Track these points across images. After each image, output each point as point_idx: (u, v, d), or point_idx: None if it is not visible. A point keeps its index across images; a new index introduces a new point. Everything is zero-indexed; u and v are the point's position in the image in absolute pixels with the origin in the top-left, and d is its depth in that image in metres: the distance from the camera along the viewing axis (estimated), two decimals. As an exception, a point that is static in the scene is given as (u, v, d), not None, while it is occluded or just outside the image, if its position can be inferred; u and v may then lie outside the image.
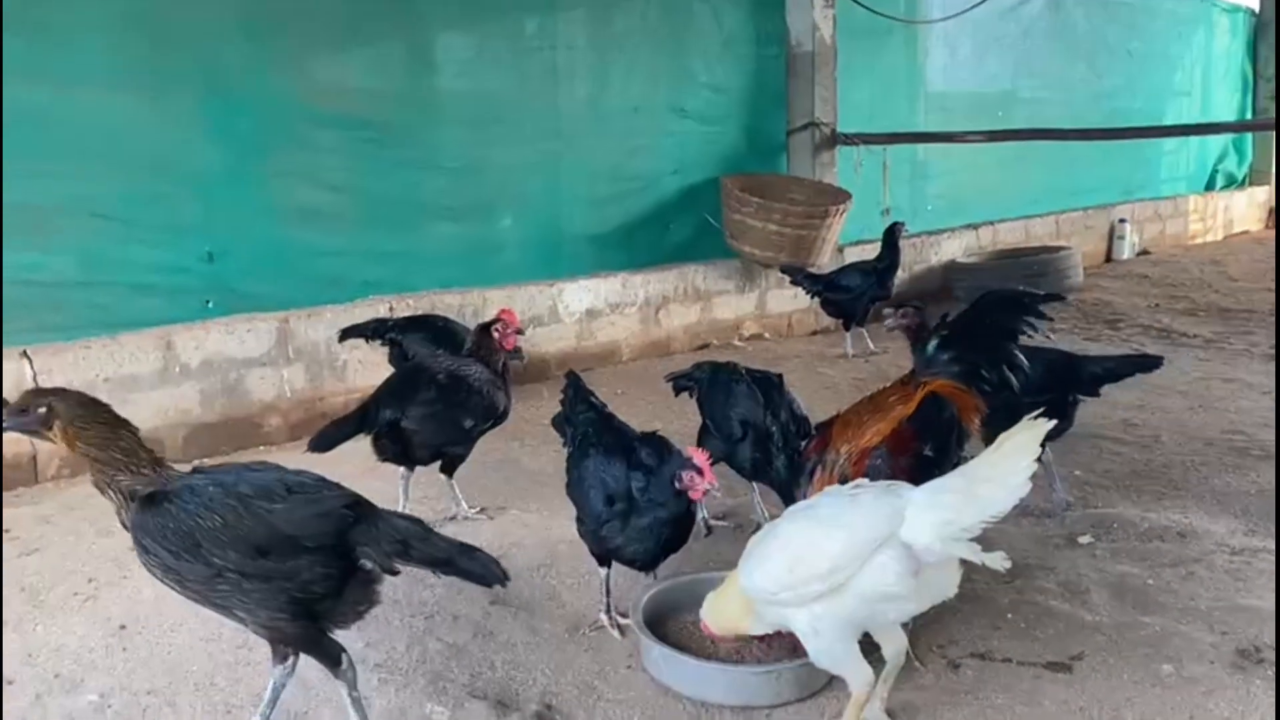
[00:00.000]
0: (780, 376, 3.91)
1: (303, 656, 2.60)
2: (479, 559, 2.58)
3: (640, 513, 3.06)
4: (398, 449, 3.98)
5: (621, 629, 3.31)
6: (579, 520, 3.31)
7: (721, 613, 2.80)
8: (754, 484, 4.01)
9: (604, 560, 3.31)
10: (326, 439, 3.83)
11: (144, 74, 5.08)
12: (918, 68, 9.12)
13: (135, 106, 5.06)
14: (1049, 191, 10.34)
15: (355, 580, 2.55)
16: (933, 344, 3.45)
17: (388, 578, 2.58)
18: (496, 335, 4.20)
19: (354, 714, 2.63)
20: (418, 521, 2.63)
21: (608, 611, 3.36)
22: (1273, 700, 2.84)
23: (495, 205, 6.54)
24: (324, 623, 2.56)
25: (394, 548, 2.52)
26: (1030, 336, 3.43)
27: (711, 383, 3.98)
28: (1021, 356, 3.38)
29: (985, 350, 3.36)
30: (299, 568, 2.45)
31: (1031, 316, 3.41)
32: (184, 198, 5.26)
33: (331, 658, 2.58)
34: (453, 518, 4.20)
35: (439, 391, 3.96)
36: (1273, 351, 6.67)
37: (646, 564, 3.20)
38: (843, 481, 3.13)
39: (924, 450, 3.15)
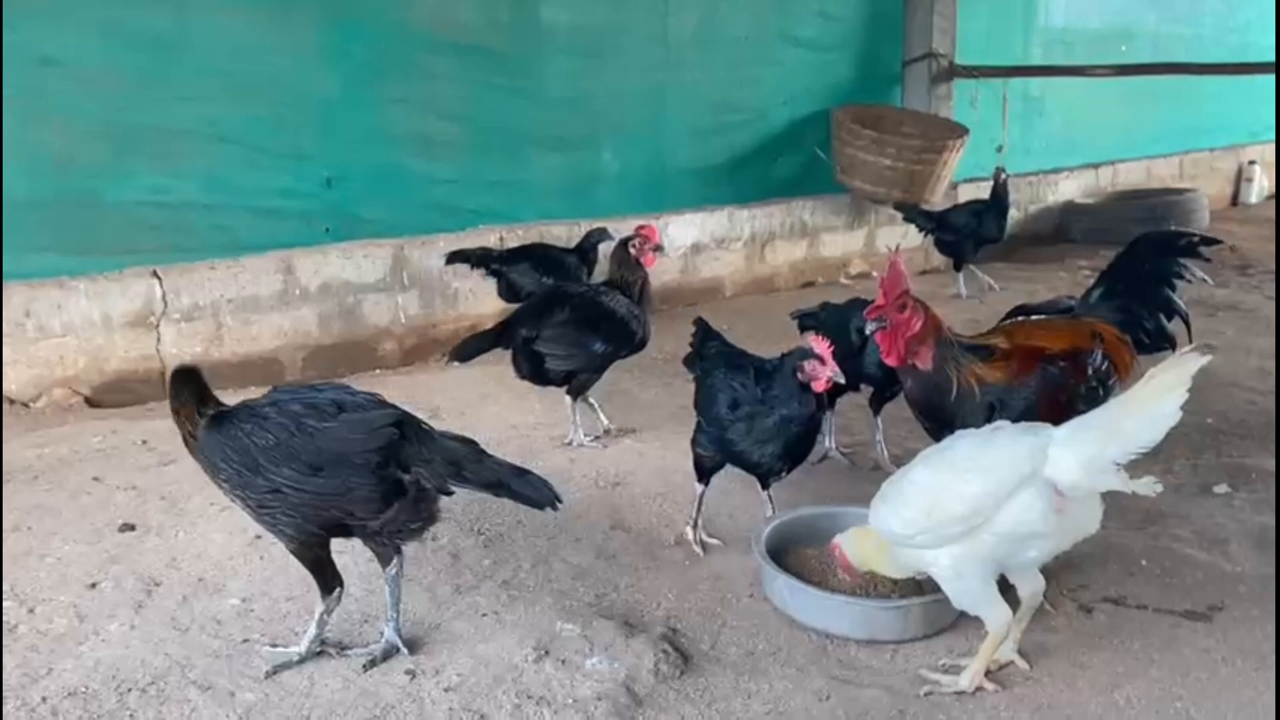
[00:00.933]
0: None
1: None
2: (532, 481, 2.58)
3: (767, 413, 3.09)
4: (531, 367, 4.06)
5: (705, 546, 3.35)
6: (698, 430, 3.33)
7: (862, 547, 2.77)
8: (878, 421, 3.95)
9: (705, 474, 3.36)
10: (467, 350, 4.04)
11: (266, -1, 5.13)
12: (1037, -3, 8.70)
13: (258, 31, 5.12)
14: (1173, 131, 9.83)
15: (406, 499, 2.56)
16: (1097, 291, 3.43)
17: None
18: (634, 251, 4.18)
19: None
20: (470, 442, 2.64)
21: (694, 526, 3.39)
22: None
23: (601, 137, 6.48)
24: (382, 538, 2.62)
25: (447, 469, 2.55)
26: (1189, 281, 3.34)
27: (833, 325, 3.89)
28: (1181, 304, 3.33)
29: (1145, 299, 3.33)
30: (350, 485, 2.49)
31: (1189, 258, 3.35)
32: (304, 123, 5.33)
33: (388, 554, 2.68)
34: (568, 443, 4.22)
35: (572, 313, 4.00)
36: None
37: (771, 468, 3.21)
38: (951, 368, 3.01)
39: (1084, 387, 3.05)
